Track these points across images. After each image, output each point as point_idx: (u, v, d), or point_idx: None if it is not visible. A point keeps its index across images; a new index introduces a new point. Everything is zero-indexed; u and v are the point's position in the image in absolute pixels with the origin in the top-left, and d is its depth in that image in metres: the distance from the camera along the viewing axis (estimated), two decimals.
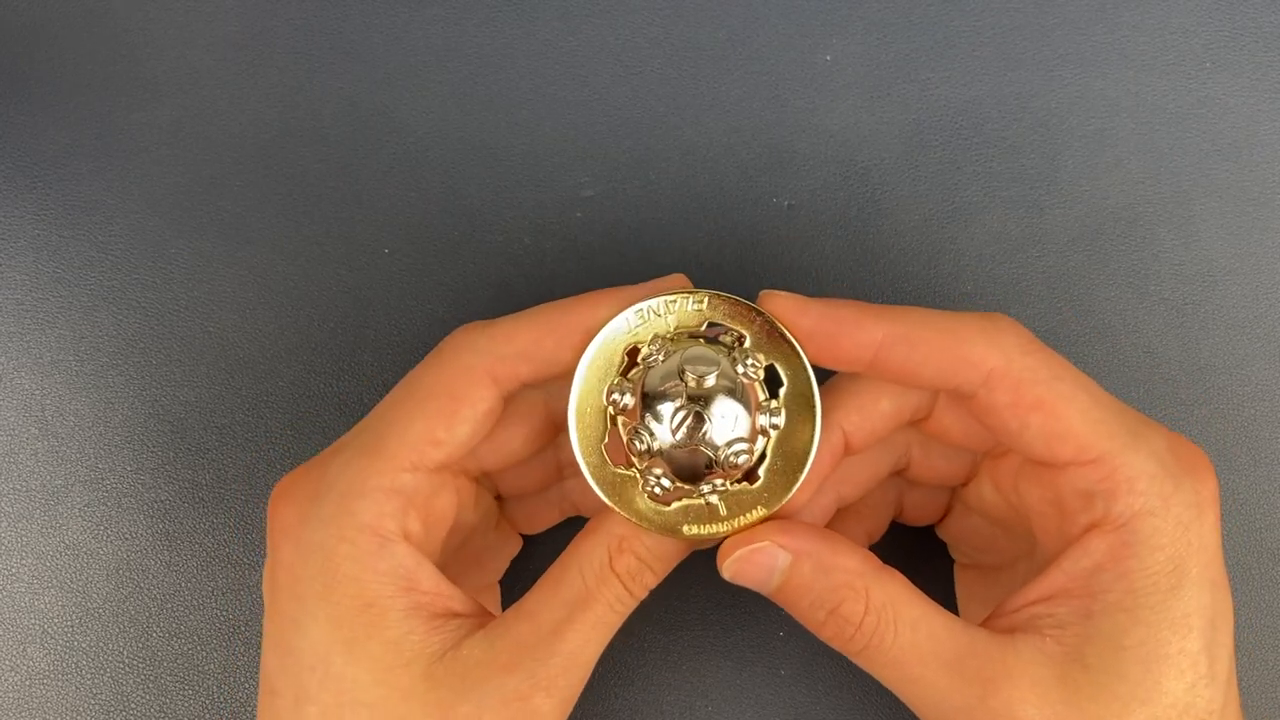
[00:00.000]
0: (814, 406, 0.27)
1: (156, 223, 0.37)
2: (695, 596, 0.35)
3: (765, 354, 0.27)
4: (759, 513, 0.27)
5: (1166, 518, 0.26)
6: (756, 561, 0.27)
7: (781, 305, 0.27)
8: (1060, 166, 0.37)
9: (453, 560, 0.32)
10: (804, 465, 0.27)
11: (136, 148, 0.37)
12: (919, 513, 0.33)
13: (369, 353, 0.36)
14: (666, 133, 0.37)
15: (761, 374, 0.27)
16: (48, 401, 0.36)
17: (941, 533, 0.34)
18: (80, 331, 0.36)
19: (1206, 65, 0.37)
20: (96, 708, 0.35)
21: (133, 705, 0.35)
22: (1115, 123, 0.37)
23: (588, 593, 0.27)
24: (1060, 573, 0.27)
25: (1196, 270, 0.36)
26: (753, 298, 0.27)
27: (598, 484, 0.27)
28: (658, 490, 0.27)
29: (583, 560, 0.27)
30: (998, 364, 0.26)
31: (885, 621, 0.26)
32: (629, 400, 0.27)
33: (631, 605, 0.27)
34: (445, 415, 0.27)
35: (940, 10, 0.38)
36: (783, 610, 0.27)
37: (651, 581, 0.28)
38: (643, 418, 0.26)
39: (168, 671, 0.35)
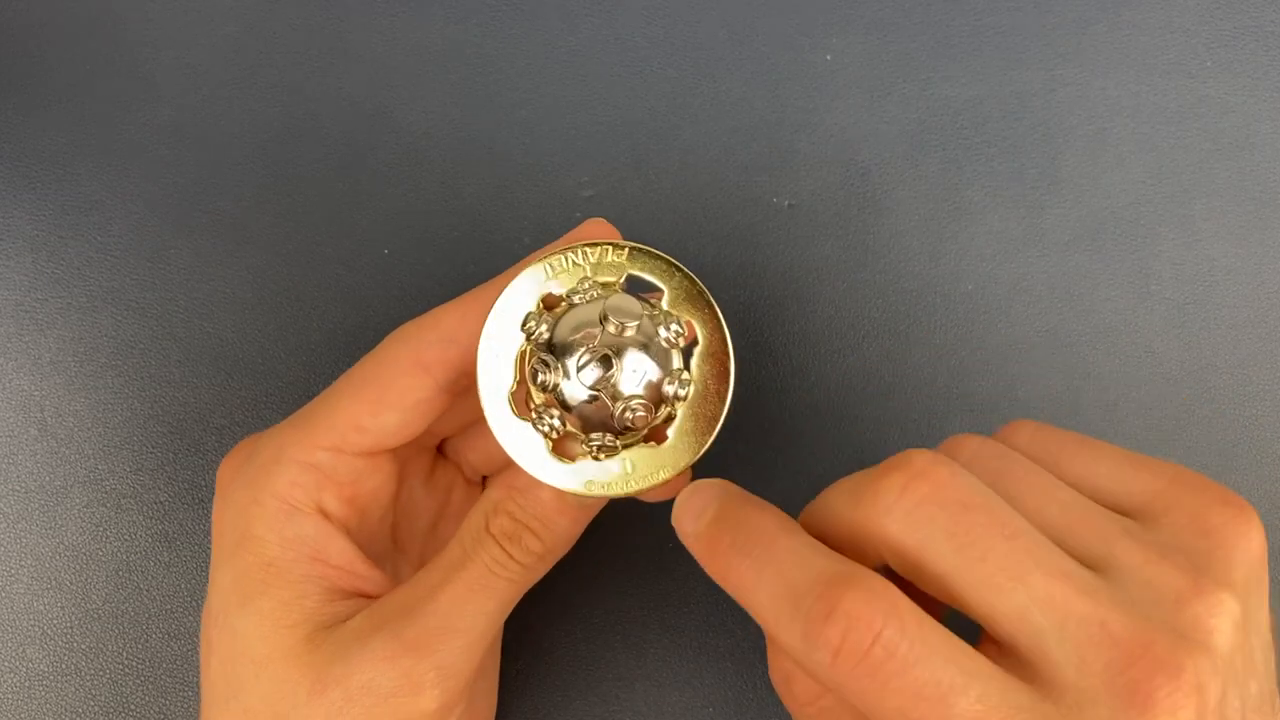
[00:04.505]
0: (728, 368, 0.27)
1: (156, 223, 0.37)
2: (697, 599, 0.35)
3: (682, 311, 0.27)
4: (664, 474, 0.26)
5: None
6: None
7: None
8: (1060, 166, 0.37)
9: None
10: (714, 427, 0.27)
11: (136, 148, 0.37)
12: None
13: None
14: (666, 132, 0.37)
15: (682, 342, 0.27)
16: (47, 402, 0.36)
17: None
18: (79, 332, 0.36)
19: (1207, 65, 0.37)
20: (96, 709, 0.34)
21: (132, 706, 0.34)
22: (1115, 123, 0.37)
23: (464, 555, 0.27)
24: None
25: (1197, 270, 0.36)
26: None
27: (499, 429, 0.26)
28: (547, 429, 0.26)
29: (463, 526, 0.27)
30: None
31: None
32: (545, 331, 0.26)
33: (520, 572, 0.27)
34: (370, 403, 0.27)
35: (940, 10, 0.38)
36: None
37: (535, 544, 0.27)
38: (551, 352, 0.26)
39: (167, 672, 0.35)
